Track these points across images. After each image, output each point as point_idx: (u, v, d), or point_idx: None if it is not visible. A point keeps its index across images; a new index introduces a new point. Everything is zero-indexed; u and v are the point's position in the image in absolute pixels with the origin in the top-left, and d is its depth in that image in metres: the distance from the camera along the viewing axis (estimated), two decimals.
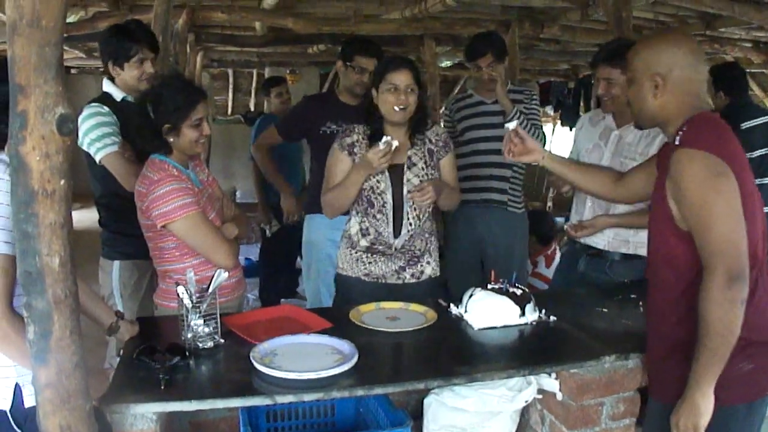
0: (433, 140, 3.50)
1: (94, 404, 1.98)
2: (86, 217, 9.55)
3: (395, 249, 3.42)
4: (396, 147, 3.15)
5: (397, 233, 3.39)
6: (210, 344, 2.55)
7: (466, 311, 2.94)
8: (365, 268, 3.45)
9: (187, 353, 2.44)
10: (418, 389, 2.69)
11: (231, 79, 15.98)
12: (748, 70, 6.11)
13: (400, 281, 3.45)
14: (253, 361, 2.35)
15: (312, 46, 9.28)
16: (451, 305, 3.05)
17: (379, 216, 3.37)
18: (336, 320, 2.85)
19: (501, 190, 4.46)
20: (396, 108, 3.26)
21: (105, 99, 3.47)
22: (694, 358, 2.18)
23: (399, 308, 3.07)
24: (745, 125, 4.84)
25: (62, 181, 1.75)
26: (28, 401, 2.11)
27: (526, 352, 2.78)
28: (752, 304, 2.16)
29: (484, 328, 2.85)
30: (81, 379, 1.89)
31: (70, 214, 1.81)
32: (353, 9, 7.11)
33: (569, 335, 2.83)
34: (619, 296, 3.23)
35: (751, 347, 2.20)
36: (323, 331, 2.72)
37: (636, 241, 3.45)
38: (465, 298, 2.99)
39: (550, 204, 10.17)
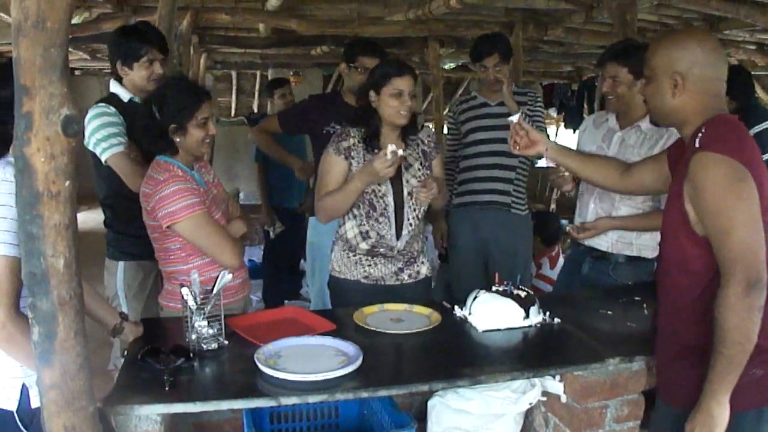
0: (426, 141, 3.53)
1: (98, 405, 1.98)
2: (91, 218, 9.59)
3: (397, 251, 3.42)
4: (401, 155, 3.15)
5: (398, 235, 3.39)
6: (214, 346, 2.55)
7: (470, 313, 2.94)
8: (365, 271, 3.45)
9: (192, 355, 2.43)
10: (422, 391, 2.68)
11: (234, 81, 16.00)
12: (752, 73, 6.08)
13: (398, 282, 3.46)
14: (257, 362, 2.35)
15: (315, 47, 9.30)
16: (455, 307, 3.05)
17: (381, 219, 3.37)
18: (340, 322, 2.85)
19: (505, 191, 4.46)
20: (402, 112, 3.27)
21: (112, 99, 3.47)
22: (709, 366, 2.13)
23: (403, 310, 3.07)
24: (754, 129, 4.82)
25: (67, 183, 1.74)
26: (35, 402, 2.12)
27: (531, 355, 2.77)
28: (765, 310, 2.14)
29: (488, 330, 2.84)
30: (85, 381, 1.89)
31: (75, 215, 1.81)
32: (357, 11, 7.12)
33: (573, 337, 2.83)
34: (623, 299, 3.22)
35: (764, 353, 2.16)
36: (327, 333, 2.71)
37: (639, 243, 3.45)
38: (469, 300, 2.99)
39: (553, 206, 10.15)
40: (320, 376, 2.27)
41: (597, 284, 3.59)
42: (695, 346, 2.27)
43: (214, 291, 2.56)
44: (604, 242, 3.54)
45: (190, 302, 2.51)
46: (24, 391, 2.13)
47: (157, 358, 2.36)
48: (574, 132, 11.59)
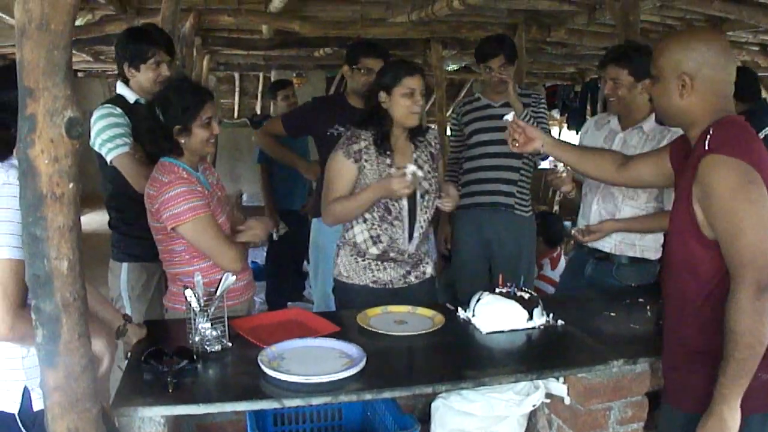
0: (433, 143, 3.53)
1: (103, 406, 1.98)
2: (94, 220, 9.60)
3: (408, 255, 3.42)
4: (419, 175, 3.18)
5: (409, 238, 3.39)
6: (218, 348, 2.55)
7: (473, 315, 2.94)
8: (373, 276, 3.43)
9: (195, 356, 2.44)
10: (426, 393, 2.68)
11: (237, 83, 16.01)
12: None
13: (405, 285, 3.45)
14: (260, 364, 2.35)
15: (318, 49, 9.31)
16: (459, 309, 3.05)
17: (396, 222, 3.35)
18: (343, 324, 2.85)
19: (508, 193, 4.45)
20: (414, 112, 3.27)
21: (118, 101, 3.48)
22: (720, 370, 2.11)
23: (406, 312, 3.07)
24: (764, 132, 4.81)
25: (71, 185, 1.75)
26: (37, 404, 2.11)
27: (534, 356, 2.77)
28: None
29: (492, 332, 2.84)
30: (89, 382, 1.89)
31: (79, 217, 1.81)
32: (360, 12, 7.13)
33: (577, 339, 2.82)
34: (627, 300, 3.22)
35: None
36: (331, 335, 2.71)
37: (642, 245, 3.45)
38: (473, 302, 2.98)
39: (556, 207, 10.14)
40: (323, 378, 2.28)
41: (600, 286, 3.59)
42: (703, 349, 2.25)
43: (218, 293, 2.57)
44: (607, 244, 3.54)
45: (194, 304, 2.51)
46: (26, 394, 2.12)
47: (160, 360, 2.36)
48: (577, 133, 11.58)
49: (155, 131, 2.96)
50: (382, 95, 3.30)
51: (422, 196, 3.37)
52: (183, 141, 2.95)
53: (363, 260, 3.43)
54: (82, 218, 1.87)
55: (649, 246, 3.45)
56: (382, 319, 2.98)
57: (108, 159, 3.32)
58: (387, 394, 2.39)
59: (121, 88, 3.53)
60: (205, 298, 2.54)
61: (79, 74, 14.00)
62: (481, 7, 6.61)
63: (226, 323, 2.59)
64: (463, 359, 2.67)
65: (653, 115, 3.32)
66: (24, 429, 2.13)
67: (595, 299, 3.34)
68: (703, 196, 2.18)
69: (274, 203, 6.18)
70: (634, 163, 2.84)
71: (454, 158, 4.69)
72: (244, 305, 3.19)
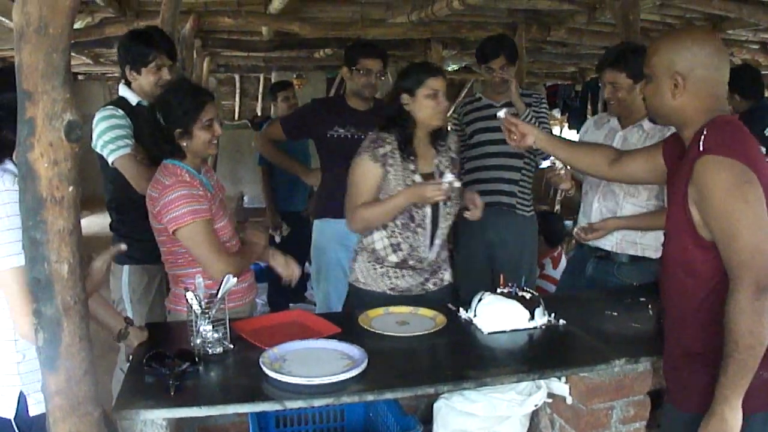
0: (453, 147, 3.51)
1: (104, 409, 1.98)
2: (95, 223, 9.62)
3: (428, 263, 3.40)
4: (456, 185, 3.16)
5: (430, 245, 3.38)
6: (219, 350, 2.54)
7: (475, 315, 2.93)
8: (391, 283, 3.40)
9: (197, 359, 2.43)
10: (428, 394, 2.68)
11: (238, 84, 16.03)
12: None
13: (423, 292, 3.43)
14: (262, 366, 2.35)
15: (319, 50, 9.30)
16: (461, 309, 3.04)
17: (419, 230, 3.32)
18: (345, 325, 2.84)
19: (510, 193, 4.45)
20: (439, 113, 3.26)
21: (120, 102, 3.50)
22: (720, 371, 2.11)
23: (408, 312, 3.06)
24: None
25: (71, 188, 1.75)
26: (33, 410, 2.11)
27: (536, 356, 2.77)
28: None
29: (494, 332, 2.84)
30: (91, 386, 1.89)
31: (79, 220, 1.81)
32: (360, 13, 7.12)
33: (579, 339, 2.82)
34: (628, 299, 3.22)
35: None
36: (332, 336, 2.71)
37: (643, 243, 3.44)
38: (474, 302, 2.98)
39: (558, 207, 10.14)
40: (325, 380, 2.27)
41: (601, 284, 3.59)
42: (703, 350, 2.25)
43: (219, 295, 2.56)
44: (607, 242, 3.54)
45: (195, 306, 2.51)
46: (22, 399, 2.12)
47: (162, 362, 2.35)
48: (578, 132, 11.58)
49: (157, 134, 2.96)
50: (405, 97, 3.27)
51: (445, 203, 3.33)
52: (185, 144, 2.94)
53: (381, 267, 3.41)
54: (83, 221, 1.87)
55: (650, 244, 3.44)
56: (383, 320, 2.97)
57: (109, 160, 3.33)
58: (389, 395, 2.39)
59: (123, 90, 3.54)
60: (206, 301, 2.54)
61: (79, 77, 14.01)
62: (480, 7, 6.60)
63: (228, 325, 2.59)
64: (464, 359, 2.67)
65: None
66: None
67: (597, 299, 3.33)
68: (699, 198, 2.17)
69: (275, 205, 6.18)
70: (626, 159, 2.83)
71: None
72: (246, 307, 3.19)
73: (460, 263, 4.68)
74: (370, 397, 2.37)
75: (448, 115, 3.75)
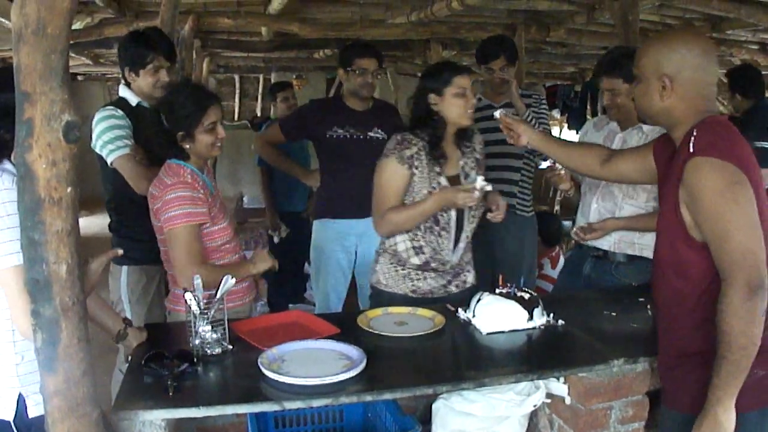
0: (478, 149, 3.49)
1: (103, 410, 1.98)
2: (94, 223, 9.63)
3: (451, 266, 3.39)
4: (488, 189, 3.14)
5: (454, 248, 3.37)
6: (218, 350, 2.54)
7: (474, 316, 2.93)
8: (413, 285, 3.38)
9: (195, 359, 2.43)
10: (427, 394, 2.68)
11: (237, 85, 16.06)
12: None
13: (445, 294, 3.40)
14: (261, 367, 2.35)
15: (318, 50, 9.31)
16: (459, 310, 3.04)
17: (443, 233, 3.31)
18: (344, 325, 2.84)
19: (510, 193, 4.45)
20: (468, 112, 3.24)
21: (120, 103, 3.51)
22: (714, 372, 2.12)
23: (407, 313, 3.06)
24: None
25: (69, 189, 1.75)
26: (33, 411, 2.12)
27: (535, 356, 2.78)
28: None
29: (492, 333, 2.84)
30: (89, 387, 1.90)
31: (77, 221, 1.82)
32: (359, 14, 7.13)
33: (577, 339, 2.82)
34: (627, 299, 3.22)
35: (764, 353, 2.15)
36: (331, 337, 2.71)
37: (641, 243, 3.44)
38: (473, 302, 2.98)
39: (557, 207, 10.15)
40: (324, 380, 2.27)
41: (599, 284, 3.59)
42: (697, 351, 2.26)
43: (218, 296, 2.56)
44: (605, 242, 3.54)
45: (194, 307, 2.51)
46: (21, 401, 2.12)
47: (161, 363, 2.36)
48: (578, 133, 11.58)
49: (160, 135, 2.97)
50: (432, 97, 3.25)
51: (470, 207, 3.32)
52: (187, 146, 2.95)
53: (403, 269, 3.39)
54: (83, 221, 1.87)
55: (647, 244, 3.44)
56: (382, 320, 2.97)
57: (109, 161, 3.34)
58: (387, 396, 2.39)
59: (123, 91, 3.56)
60: (205, 301, 2.54)
61: (79, 77, 14.03)
62: (480, 8, 6.61)
63: (227, 326, 2.59)
64: (463, 360, 2.69)
65: None
66: None
67: (595, 299, 3.33)
68: (690, 200, 2.18)
69: (274, 205, 6.18)
70: (617, 159, 2.84)
71: None
72: (245, 307, 3.19)
73: None
74: (368, 398, 2.36)
75: None
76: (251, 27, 7.72)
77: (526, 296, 2.94)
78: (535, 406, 2.66)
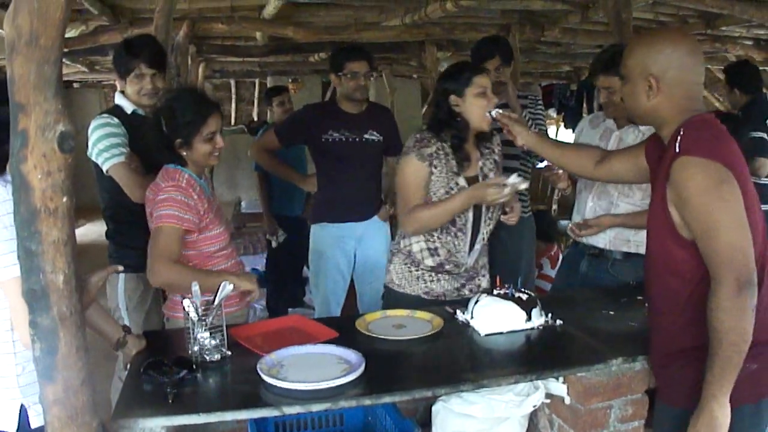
0: (496, 150, 3.48)
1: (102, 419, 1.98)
2: (92, 231, 9.61)
3: (465, 269, 3.38)
4: (521, 189, 3.10)
5: (469, 251, 3.36)
6: (217, 357, 2.54)
7: (472, 317, 2.94)
8: (426, 287, 3.38)
9: (194, 366, 2.43)
10: (426, 397, 2.68)
11: (233, 90, 16.06)
12: None
13: (459, 297, 3.37)
14: (260, 372, 2.35)
15: (313, 54, 9.31)
16: (458, 311, 3.04)
17: (459, 234, 3.30)
18: (342, 329, 2.84)
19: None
20: (494, 110, 3.20)
21: (115, 111, 3.53)
22: (707, 368, 2.14)
23: (405, 316, 3.06)
24: None
25: (64, 199, 1.75)
26: (35, 422, 2.12)
27: (533, 357, 2.78)
28: (758, 305, 2.14)
29: (491, 334, 2.84)
30: (89, 395, 1.90)
31: (74, 231, 1.82)
32: (353, 17, 7.13)
33: (576, 339, 2.83)
34: (624, 298, 3.22)
35: (757, 347, 2.16)
36: (330, 341, 2.71)
37: (637, 240, 3.43)
38: (471, 304, 2.98)
39: (555, 206, 10.16)
40: (323, 385, 2.27)
41: (596, 282, 3.60)
42: (690, 346, 2.28)
43: (215, 302, 2.57)
44: (601, 240, 3.55)
45: (192, 314, 2.51)
46: (23, 412, 2.13)
47: (160, 370, 2.35)
48: (574, 131, 11.59)
49: (159, 142, 2.97)
50: (453, 98, 3.23)
51: (488, 208, 3.32)
52: (185, 153, 2.96)
53: (417, 270, 3.39)
54: (81, 229, 1.88)
55: (643, 242, 3.40)
56: (380, 323, 2.97)
57: (104, 168, 3.34)
58: (387, 399, 2.39)
59: (119, 99, 3.58)
60: (203, 308, 2.54)
61: (75, 85, 14.05)
62: (474, 9, 6.61)
63: (225, 332, 2.59)
64: (462, 362, 2.68)
65: None
66: None
67: (593, 298, 3.34)
68: (678, 199, 2.20)
69: (272, 210, 6.19)
70: (611, 159, 2.86)
71: None
72: (242, 311, 3.20)
73: None
74: (367, 402, 2.36)
75: None
76: (246, 32, 7.73)
77: (524, 297, 2.94)
78: (534, 406, 2.67)
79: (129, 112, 3.51)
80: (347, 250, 4.52)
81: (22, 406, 2.13)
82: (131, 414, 2.16)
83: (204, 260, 3.01)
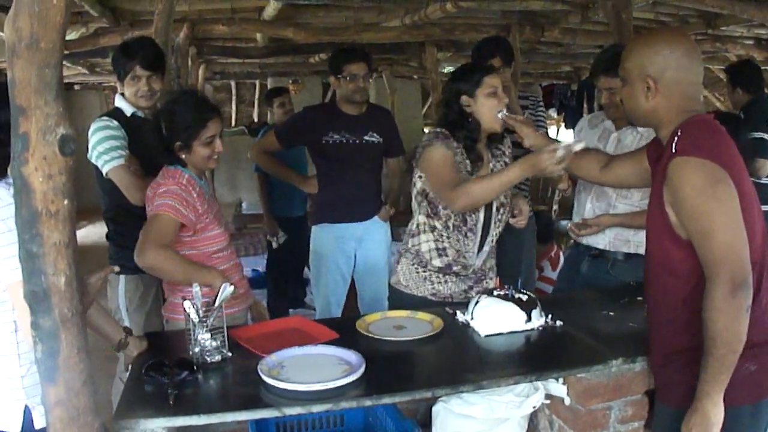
0: (507, 153, 3.46)
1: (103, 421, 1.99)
2: (93, 233, 9.62)
3: (473, 270, 3.37)
4: (577, 150, 2.89)
5: (478, 252, 3.35)
6: (218, 358, 2.55)
7: (472, 318, 2.94)
8: (433, 288, 3.36)
9: (195, 367, 2.44)
10: (426, 397, 2.68)
11: (234, 91, 16.09)
12: None
13: (466, 300, 3.30)
14: (260, 373, 2.35)
15: (313, 55, 9.32)
16: (458, 312, 3.04)
17: (469, 234, 3.28)
18: (343, 330, 2.84)
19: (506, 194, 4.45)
20: (501, 111, 3.17)
21: (115, 113, 3.53)
22: (701, 367, 2.15)
23: (405, 317, 3.06)
24: None
25: (66, 201, 1.76)
26: (38, 423, 2.13)
27: (533, 358, 2.78)
28: (756, 306, 2.15)
29: (491, 335, 2.84)
30: (90, 397, 1.90)
31: (75, 233, 1.82)
32: (353, 18, 7.13)
33: (576, 340, 2.83)
34: (624, 299, 3.22)
35: (756, 348, 2.18)
36: (330, 342, 2.71)
37: (637, 241, 3.44)
38: (471, 305, 2.99)
39: (555, 207, 10.16)
40: (323, 386, 2.28)
41: (596, 283, 3.60)
42: (687, 346, 2.28)
43: (216, 303, 2.57)
44: (601, 241, 3.55)
45: (193, 315, 2.51)
46: (27, 413, 2.14)
47: (161, 371, 2.36)
48: (574, 131, 11.57)
49: (158, 144, 2.98)
50: (465, 99, 3.21)
51: (498, 210, 3.32)
52: (184, 156, 2.97)
53: (424, 271, 3.37)
54: (82, 231, 1.89)
55: (643, 242, 3.43)
56: (381, 324, 2.98)
57: (103, 171, 3.35)
58: (387, 400, 2.39)
59: (119, 101, 3.58)
60: (203, 309, 2.55)
61: (76, 87, 14.05)
62: (474, 9, 6.62)
63: (226, 333, 2.60)
64: (462, 363, 2.68)
65: None
66: None
67: (593, 299, 3.34)
68: (673, 199, 2.22)
69: (272, 211, 6.19)
70: (615, 164, 2.88)
71: None
72: (242, 313, 3.22)
73: None
74: (368, 402, 2.37)
75: None
76: (246, 33, 7.74)
77: (524, 298, 2.94)
78: (534, 407, 2.67)
79: (129, 114, 3.51)
80: (347, 250, 4.53)
81: (26, 406, 2.14)
82: (132, 415, 2.17)
83: (204, 260, 3.02)
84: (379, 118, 4.52)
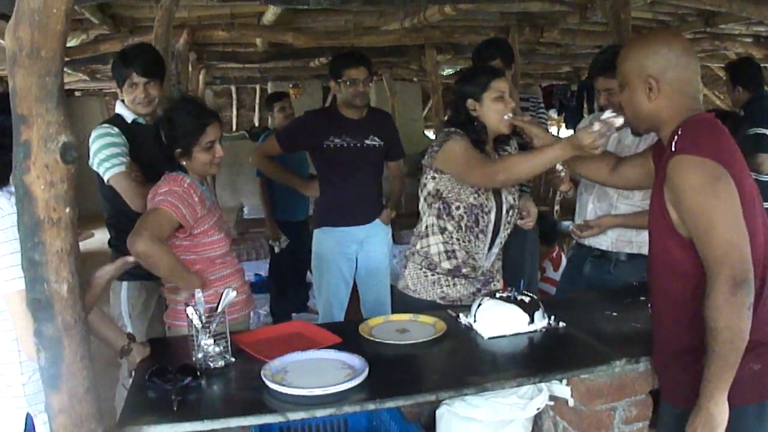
0: (514, 153, 3.43)
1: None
2: (95, 239, 9.62)
3: (482, 272, 3.36)
4: (618, 126, 2.78)
5: (488, 252, 3.34)
6: (221, 363, 2.55)
7: (475, 321, 2.94)
8: (442, 292, 3.35)
9: (199, 373, 2.44)
10: (430, 401, 2.68)
11: (234, 96, 16.08)
12: None
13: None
14: (264, 378, 2.35)
15: (313, 59, 9.32)
16: (460, 315, 3.04)
17: (480, 236, 3.27)
18: (345, 334, 2.84)
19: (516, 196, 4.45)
20: (508, 116, 3.16)
21: (116, 120, 3.54)
22: (704, 367, 2.14)
23: (408, 320, 3.06)
24: None
25: (67, 209, 1.76)
26: (40, 430, 2.12)
27: (537, 360, 2.77)
28: (760, 305, 2.15)
29: (494, 337, 2.84)
30: (93, 404, 1.90)
31: (77, 241, 1.83)
32: (353, 22, 7.14)
33: (579, 341, 2.83)
34: (627, 299, 3.22)
35: (760, 347, 2.17)
36: (333, 346, 2.71)
37: (639, 241, 3.44)
38: (473, 307, 2.98)
39: (557, 208, 10.15)
40: (327, 390, 2.28)
41: (599, 284, 3.60)
42: (691, 346, 2.27)
43: (219, 309, 2.57)
44: (603, 241, 3.55)
45: (196, 321, 2.52)
46: (29, 421, 2.14)
47: (164, 377, 2.36)
48: (574, 132, 11.57)
49: (159, 152, 2.99)
50: (471, 103, 3.21)
51: (507, 211, 3.31)
52: (185, 163, 2.98)
53: (433, 275, 3.35)
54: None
55: (645, 242, 3.41)
56: (383, 328, 2.98)
57: (105, 178, 3.36)
58: (390, 404, 2.40)
59: (119, 108, 3.59)
60: (206, 315, 2.55)
61: (76, 93, 14.06)
62: (473, 11, 6.62)
63: (229, 338, 2.60)
64: (465, 365, 2.68)
65: None
66: None
67: (596, 299, 3.34)
68: (674, 197, 2.22)
69: (274, 216, 6.19)
70: (623, 166, 2.89)
71: None
72: (244, 318, 3.23)
73: None
74: (371, 406, 2.37)
75: (445, 119, 3.69)
76: (246, 38, 7.74)
77: (527, 299, 2.94)
78: (538, 409, 2.66)
79: (129, 121, 3.52)
80: (349, 254, 4.53)
81: (28, 414, 2.14)
82: (136, 421, 2.16)
83: (207, 266, 3.03)
84: (380, 122, 4.52)
